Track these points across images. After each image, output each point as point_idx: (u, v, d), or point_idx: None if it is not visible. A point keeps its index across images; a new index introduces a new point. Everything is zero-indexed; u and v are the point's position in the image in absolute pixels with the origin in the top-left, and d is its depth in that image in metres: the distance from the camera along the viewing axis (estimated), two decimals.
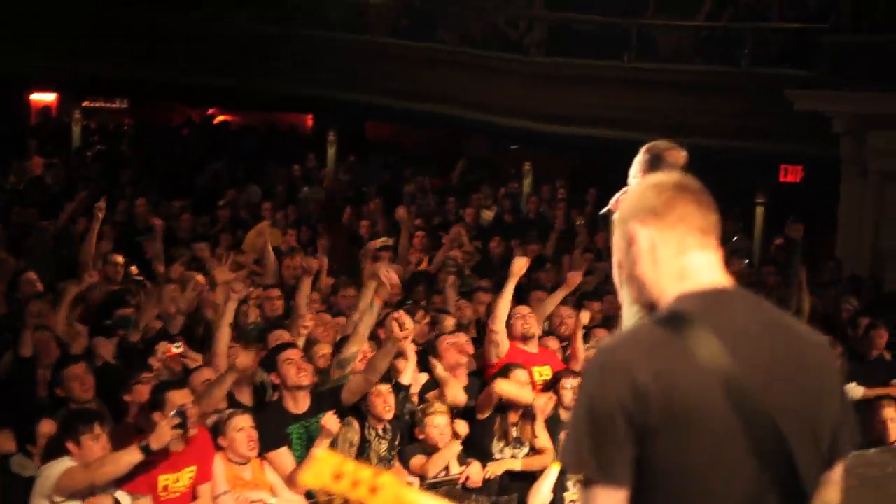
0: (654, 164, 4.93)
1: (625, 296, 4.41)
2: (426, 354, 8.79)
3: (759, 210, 18.21)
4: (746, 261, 14.99)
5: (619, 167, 18.85)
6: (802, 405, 2.34)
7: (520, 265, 8.91)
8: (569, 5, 21.05)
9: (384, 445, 7.71)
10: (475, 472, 7.76)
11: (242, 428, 6.99)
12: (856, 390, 9.49)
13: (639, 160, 5.09)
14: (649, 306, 2.53)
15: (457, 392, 8.42)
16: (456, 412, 8.13)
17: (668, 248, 2.52)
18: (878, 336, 10.20)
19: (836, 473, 2.47)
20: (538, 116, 20.32)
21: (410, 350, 8.41)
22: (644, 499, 2.30)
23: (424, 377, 8.62)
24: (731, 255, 14.94)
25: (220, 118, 27.21)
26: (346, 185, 19.92)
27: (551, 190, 18.72)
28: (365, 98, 22.35)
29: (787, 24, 18.36)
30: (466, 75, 21.44)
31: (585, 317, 9.44)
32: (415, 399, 8.36)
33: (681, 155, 5.06)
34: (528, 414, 8.16)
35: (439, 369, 8.51)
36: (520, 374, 8.23)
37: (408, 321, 7.70)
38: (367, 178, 20.74)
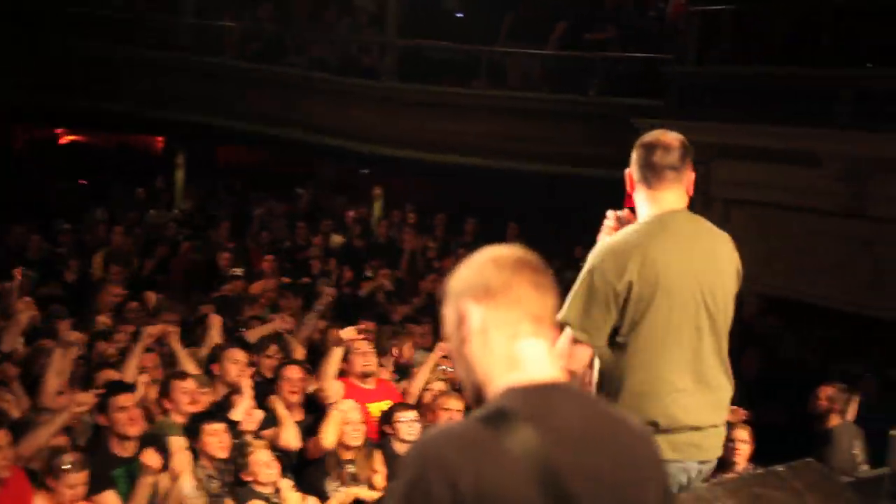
0: (649, 155, 4.90)
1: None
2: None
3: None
4: None
5: (468, 192, 19.18)
6: (617, 501, 2.30)
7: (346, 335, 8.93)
8: (421, 32, 21.14)
9: (215, 484, 7.53)
10: None
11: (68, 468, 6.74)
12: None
13: (634, 158, 5.04)
14: (475, 388, 2.45)
15: (290, 436, 8.29)
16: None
17: (501, 332, 2.43)
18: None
19: None
20: (390, 141, 20.34)
21: (246, 385, 8.28)
22: None
23: (261, 414, 8.43)
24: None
25: (69, 139, 26.62)
26: (193, 212, 19.68)
27: (401, 215, 18.74)
28: (217, 121, 22.14)
29: (634, 54, 18.66)
30: (319, 100, 21.38)
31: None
32: (249, 437, 8.16)
33: (674, 138, 5.00)
34: (365, 450, 8.14)
35: (279, 408, 8.40)
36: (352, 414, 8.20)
37: (239, 355, 7.62)
38: (215, 203, 20.53)
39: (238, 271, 13.48)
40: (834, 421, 8.80)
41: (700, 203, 16.39)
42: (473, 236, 17.54)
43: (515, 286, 2.44)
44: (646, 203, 4.74)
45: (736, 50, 16.30)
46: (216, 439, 7.47)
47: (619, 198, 17.14)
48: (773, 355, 12.31)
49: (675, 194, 4.72)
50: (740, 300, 14.56)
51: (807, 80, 14.71)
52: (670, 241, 4.61)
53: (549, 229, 17.37)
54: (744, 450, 8.39)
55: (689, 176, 4.75)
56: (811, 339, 13.15)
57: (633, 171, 4.79)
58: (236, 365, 8.63)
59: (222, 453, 7.50)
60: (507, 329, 2.42)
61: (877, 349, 12.33)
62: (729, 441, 8.59)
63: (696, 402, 4.66)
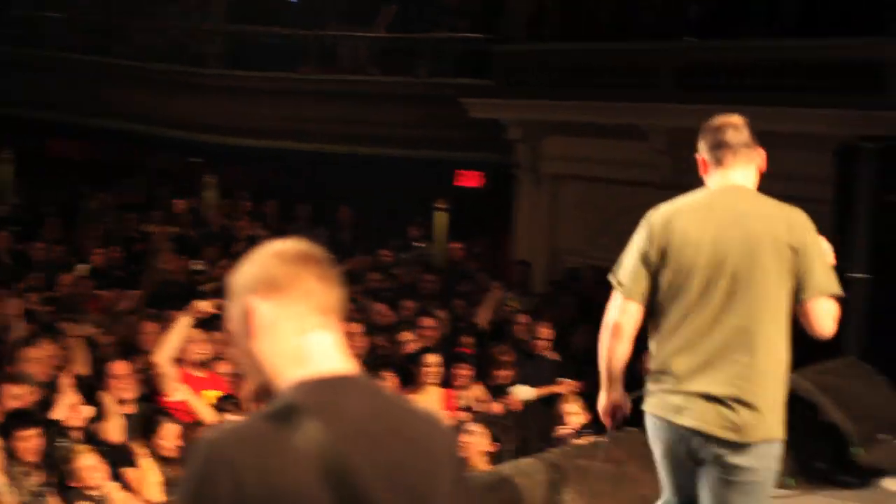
0: (716, 136, 4.89)
1: None
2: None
3: (441, 216, 18.56)
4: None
5: (302, 178, 19.03)
6: (408, 490, 2.29)
7: (202, 307, 8.74)
8: (249, 17, 20.95)
9: (33, 481, 7.35)
10: None
11: None
12: (526, 391, 9.75)
13: (701, 145, 4.99)
14: (263, 385, 2.44)
15: (113, 430, 8.17)
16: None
17: (288, 326, 2.40)
18: (539, 334, 10.46)
19: None
20: (220, 129, 20.15)
21: (66, 383, 8.14)
22: None
23: (90, 410, 8.27)
24: (415, 263, 15.19)
25: None
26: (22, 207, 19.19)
27: (234, 203, 18.56)
28: (44, 115, 21.66)
29: (461, 34, 18.78)
30: (147, 89, 21.06)
31: None
32: (71, 441, 7.95)
33: (736, 120, 4.94)
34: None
35: (107, 402, 8.28)
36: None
37: (40, 353, 7.46)
38: (44, 197, 20.04)
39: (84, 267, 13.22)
40: None
41: (530, 179, 16.68)
42: (307, 222, 17.46)
43: (301, 280, 2.41)
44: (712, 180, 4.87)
45: (563, 27, 16.51)
46: (26, 444, 7.32)
47: (450, 178, 17.33)
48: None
49: (739, 172, 4.79)
50: (576, 274, 14.85)
51: (630, 56, 14.99)
52: (701, 213, 4.70)
53: (383, 211, 17.40)
54: (574, 421, 8.52)
55: (757, 154, 4.87)
56: None
57: (703, 155, 4.90)
58: (41, 363, 8.50)
59: (31, 457, 7.34)
60: (295, 323, 2.39)
61: None
62: (559, 413, 8.79)
63: (686, 367, 4.56)
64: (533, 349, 10.40)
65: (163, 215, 17.18)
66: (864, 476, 7.11)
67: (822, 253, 4.59)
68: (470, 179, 18.54)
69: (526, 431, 9.46)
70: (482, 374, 9.89)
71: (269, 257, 2.46)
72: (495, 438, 9.11)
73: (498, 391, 9.70)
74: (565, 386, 9.84)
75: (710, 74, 13.89)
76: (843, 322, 9.50)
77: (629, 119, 14.52)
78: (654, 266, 4.64)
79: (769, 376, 4.49)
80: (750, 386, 4.45)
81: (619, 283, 4.74)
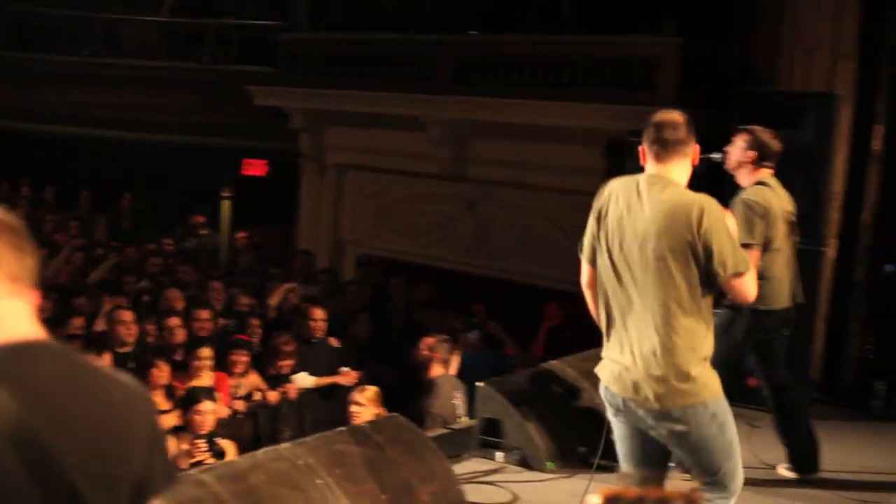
0: (656, 132, 5.04)
1: None
2: None
3: (226, 204, 18.42)
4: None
5: (84, 164, 18.52)
6: (100, 457, 2.30)
7: None
8: None
9: None
10: None
11: None
12: (306, 379, 9.78)
13: (644, 136, 5.14)
14: None
15: None
16: None
17: None
18: (313, 319, 10.49)
19: None
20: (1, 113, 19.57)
21: None
22: None
23: None
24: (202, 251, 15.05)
25: None
26: None
27: (13, 188, 18.05)
28: None
29: (247, 21, 18.67)
30: None
31: None
32: None
33: (675, 118, 5.09)
34: None
35: None
36: None
37: None
38: None
39: None
40: (436, 371, 9.12)
41: (314, 169, 16.71)
42: (89, 209, 17.13)
43: None
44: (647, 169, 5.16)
45: (347, 16, 16.57)
46: None
47: (236, 166, 17.14)
48: (386, 316, 12.63)
49: (671, 166, 5.04)
50: (360, 263, 14.85)
51: (411, 47, 15.14)
52: (627, 195, 5.00)
53: (168, 199, 17.20)
54: (360, 412, 8.58)
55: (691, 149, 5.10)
56: (420, 297, 13.58)
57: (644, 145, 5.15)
58: None
59: None
60: None
61: (480, 305, 12.87)
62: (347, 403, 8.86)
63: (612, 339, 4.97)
64: (313, 336, 10.42)
65: None
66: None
67: (730, 234, 4.90)
68: (256, 168, 18.47)
69: (302, 420, 9.50)
70: (266, 363, 9.88)
71: None
72: (272, 427, 9.15)
73: (280, 380, 9.71)
74: (345, 376, 9.92)
75: (487, 68, 14.15)
76: None
77: (408, 110, 14.68)
78: (595, 233, 5.07)
79: (676, 351, 4.78)
80: (657, 361, 4.79)
81: (579, 249, 5.21)
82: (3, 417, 2.18)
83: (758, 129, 7.06)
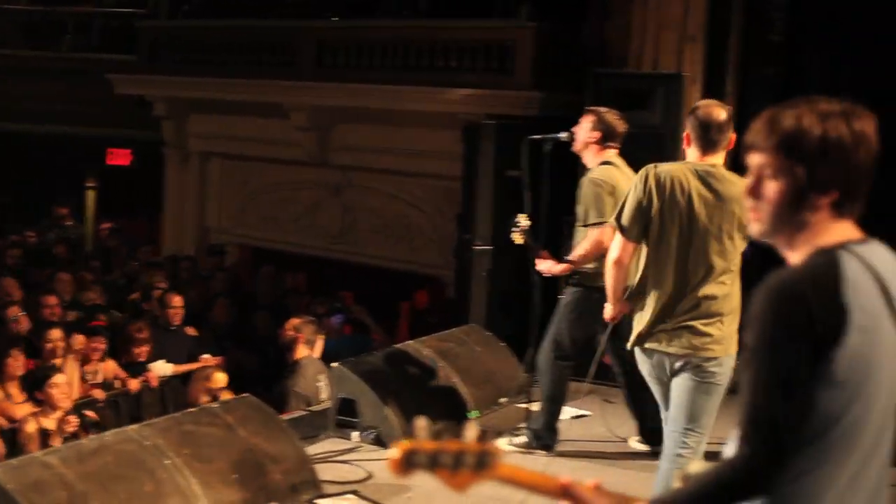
0: (708, 131, 5.57)
1: None
2: None
3: (90, 194, 18.20)
4: None
5: None
6: None
7: None
8: None
9: None
10: None
11: None
12: (164, 367, 9.76)
13: (690, 124, 5.63)
14: None
15: None
16: None
17: None
18: (171, 307, 10.48)
19: None
20: None
21: None
22: None
23: None
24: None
25: None
26: None
27: None
28: None
29: (107, 9, 18.44)
30: None
31: None
32: None
33: (724, 116, 5.57)
34: None
35: None
36: None
37: None
38: None
39: None
40: (301, 352, 9.19)
41: (178, 157, 16.58)
42: None
43: None
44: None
45: (207, 4, 16.45)
46: None
47: (101, 156, 16.91)
48: (251, 302, 12.64)
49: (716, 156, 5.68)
50: (219, 250, 14.84)
51: (272, 34, 15.11)
52: (685, 178, 5.65)
53: (29, 190, 16.96)
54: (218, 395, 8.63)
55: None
56: (286, 284, 13.61)
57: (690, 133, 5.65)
58: None
59: None
60: None
61: (347, 292, 12.94)
62: (202, 388, 8.90)
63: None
64: (171, 323, 10.41)
65: None
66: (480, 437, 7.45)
67: None
68: (120, 157, 18.28)
69: (164, 408, 9.48)
70: (122, 351, 9.85)
71: None
72: (134, 416, 9.11)
73: (136, 368, 9.67)
74: (205, 361, 9.93)
75: (348, 54, 14.18)
76: (468, 291, 10.06)
77: (271, 97, 14.64)
78: (650, 213, 5.53)
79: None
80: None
81: (621, 227, 5.65)
82: None
83: (603, 109, 7.22)
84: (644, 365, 5.82)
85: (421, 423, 2.47)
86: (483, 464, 2.49)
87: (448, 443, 2.46)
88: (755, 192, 2.65)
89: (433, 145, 13.29)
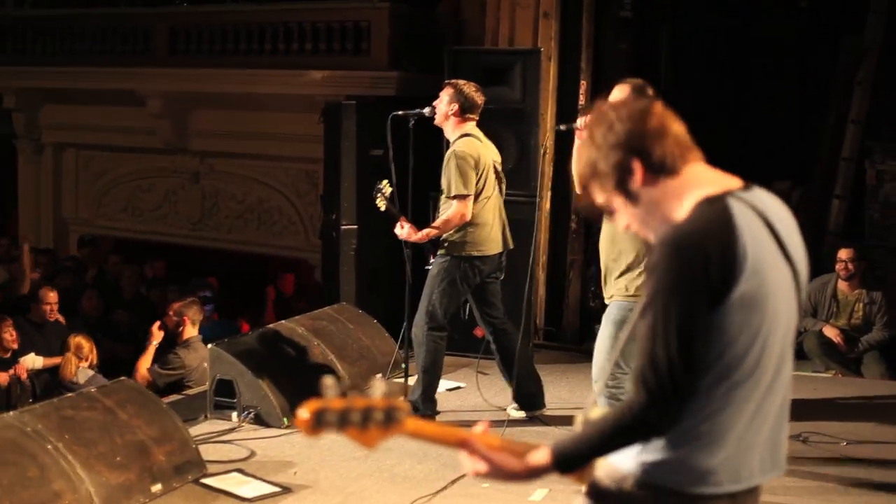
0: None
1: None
2: None
3: None
4: None
5: None
6: None
7: None
8: None
9: None
10: None
11: None
12: (35, 360, 9.62)
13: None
14: None
15: None
16: None
17: None
18: (47, 302, 10.34)
19: None
20: None
21: None
22: None
23: None
24: None
25: None
26: None
27: None
28: None
29: None
30: None
31: None
32: None
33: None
34: None
35: None
36: None
37: None
38: None
39: None
40: (189, 332, 9.14)
41: (30, 149, 16.26)
42: None
43: None
44: None
45: None
46: None
47: None
48: (114, 293, 12.50)
49: None
50: (84, 242, 14.53)
51: (123, 20, 14.91)
52: None
53: None
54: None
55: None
56: (151, 274, 13.47)
57: None
58: None
59: None
60: None
61: (212, 278, 12.87)
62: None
63: None
64: (47, 318, 10.29)
65: None
66: None
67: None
68: None
69: (35, 400, 9.35)
70: None
71: None
72: (5, 409, 8.96)
73: (5, 361, 9.53)
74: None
75: (201, 38, 14.07)
76: (336, 271, 10.12)
77: (125, 84, 14.44)
78: None
79: None
80: None
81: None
82: None
83: (461, 82, 7.35)
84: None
85: (328, 381, 2.52)
86: (391, 419, 2.56)
87: (356, 400, 2.52)
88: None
89: (292, 128, 13.28)
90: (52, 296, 10.39)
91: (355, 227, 9.99)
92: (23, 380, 9.45)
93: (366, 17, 12.68)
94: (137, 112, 14.59)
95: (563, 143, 10.39)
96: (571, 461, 2.75)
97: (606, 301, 6.16)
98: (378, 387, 2.56)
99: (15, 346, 9.59)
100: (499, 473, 2.77)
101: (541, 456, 2.74)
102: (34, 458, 5.30)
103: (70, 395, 6.08)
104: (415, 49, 12.37)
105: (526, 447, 2.78)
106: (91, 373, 9.12)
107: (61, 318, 10.51)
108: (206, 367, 8.85)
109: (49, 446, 5.40)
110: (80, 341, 9.21)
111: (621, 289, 5.99)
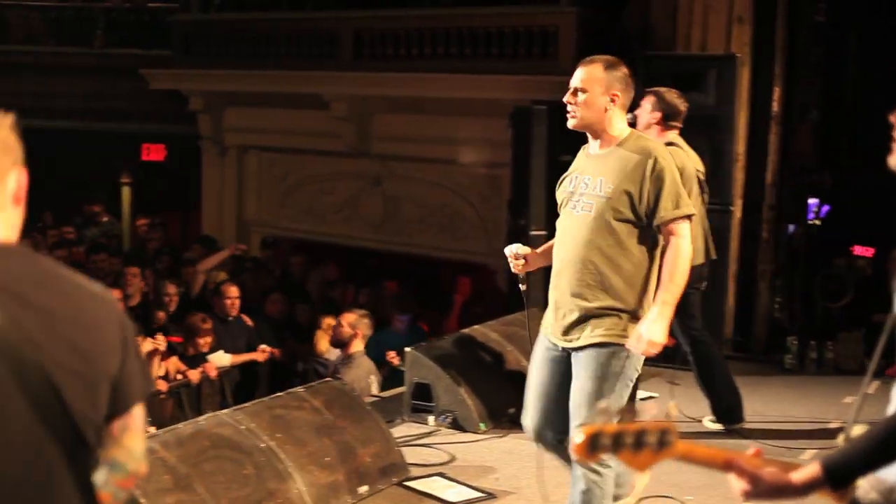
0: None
1: None
2: None
3: (126, 190, 18.23)
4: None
5: None
6: (77, 358, 2.34)
7: None
8: None
9: None
10: None
11: None
12: (223, 358, 9.76)
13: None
14: None
15: None
16: None
17: None
18: (228, 297, 10.47)
19: (133, 420, 2.49)
20: None
21: None
22: None
23: None
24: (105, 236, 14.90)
25: None
26: None
27: None
28: None
29: (138, 4, 18.45)
30: None
31: None
32: None
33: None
34: None
35: None
36: None
37: None
38: None
39: None
40: (356, 347, 9.20)
41: (215, 151, 16.60)
42: None
43: None
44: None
45: None
46: None
47: (136, 152, 16.88)
48: (298, 294, 12.64)
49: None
50: (268, 244, 14.72)
51: (309, 25, 15.10)
52: None
53: (64, 186, 16.95)
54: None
55: None
56: (329, 277, 13.59)
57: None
58: None
59: None
60: None
61: (392, 282, 12.94)
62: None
63: None
64: (229, 314, 10.42)
65: None
66: None
67: None
68: (155, 153, 18.30)
69: (223, 398, 9.50)
70: (185, 343, 9.85)
71: None
72: (194, 407, 9.13)
73: (198, 359, 9.68)
74: (262, 353, 9.94)
75: (387, 43, 14.18)
76: (526, 275, 10.04)
77: (310, 88, 14.64)
78: None
79: None
80: None
81: (692, 214, 4.98)
82: None
83: (663, 89, 7.22)
84: None
85: (602, 405, 2.54)
86: (663, 443, 2.54)
87: (629, 424, 2.51)
88: None
89: (474, 132, 13.27)
90: (234, 290, 10.51)
91: (544, 232, 9.89)
92: (212, 378, 9.60)
93: (553, 21, 12.64)
94: (321, 115, 14.76)
95: (755, 151, 10.21)
96: (844, 474, 2.64)
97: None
98: (649, 410, 2.54)
99: (206, 348, 9.74)
100: (769, 491, 2.69)
101: (811, 470, 2.65)
102: (249, 455, 5.35)
103: (280, 394, 6.13)
104: (601, 54, 12.23)
105: (788, 466, 2.70)
106: (338, 352, 9.27)
107: (247, 319, 10.64)
108: (370, 381, 8.91)
109: (262, 445, 5.45)
110: (331, 321, 9.39)
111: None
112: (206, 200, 16.85)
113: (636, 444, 2.51)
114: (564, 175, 5.30)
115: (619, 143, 5.02)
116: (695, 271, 7.23)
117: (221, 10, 16.46)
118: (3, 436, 2.27)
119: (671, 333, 7.66)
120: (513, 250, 5.45)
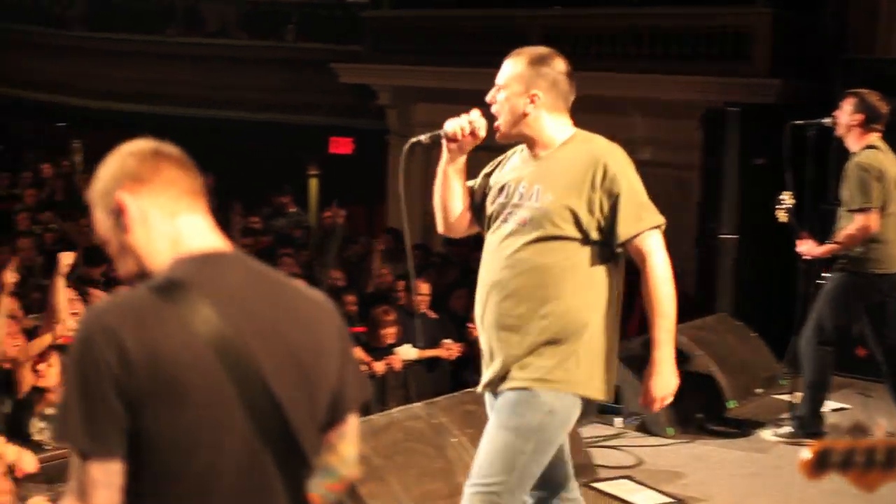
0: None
1: None
2: None
3: (313, 182, 18.57)
4: None
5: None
6: (297, 369, 2.37)
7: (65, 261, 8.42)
8: None
9: None
10: None
11: None
12: (409, 351, 9.86)
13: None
14: (142, 273, 2.48)
15: None
16: None
17: (160, 213, 2.45)
18: (420, 290, 10.57)
19: (349, 427, 2.52)
20: (84, 93, 19.83)
21: None
22: (141, 471, 2.26)
23: None
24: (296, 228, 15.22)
25: None
26: None
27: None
28: None
29: None
30: (9, 52, 20.62)
31: None
32: None
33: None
34: None
35: None
36: None
37: None
38: None
39: None
40: None
41: (402, 146, 16.75)
42: None
43: (163, 169, 2.45)
44: None
45: None
46: None
47: (323, 144, 17.15)
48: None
49: None
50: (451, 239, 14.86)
51: (499, 22, 15.15)
52: None
53: (252, 177, 17.36)
54: None
55: None
56: None
57: None
58: None
59: None
60: (166, 209, 2.43)
61: None
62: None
63: None
64: (417, 309, 10.53)
65: (32, 179, 16.94)
66: (742, 427, 7.38)
67: None
68: (343, 146, 18.59)
69: (408, 392, 9.59)
70: (368, 336, 9.99)
71: (125, 157, 2.48)
72: (379, 399, 9.25)
73: (383, 351, 9.80)
74: (448, 349, 10.01)
75: (576, 42, 14.11)
76: (715, 280, 9.94)
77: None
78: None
79: None
80: None
81: (661, 224, 4.26)
82: (204, 324, 2.27)
83: (865, 91, 7.05)
84: None
85: (832, 420, 2.47)
86: (893, 461, 2.44)
87: (859, 440, 2.41)
88: None
89: (666, 134, 13.15)
90: (424, 287, 10.62)
91: (736, 236, 9.79)
92: (396, 370, 9.71)
93: (747, 22, 12.44)
94: None
95: None
96: None
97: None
98: (881, 426, 2.44)
99: (391, 339, 9.85)
100: None
101: None
102: (441, 450, 5.41)
103: (470, 389, 6.15)
104: (794, 57, 12.03)
105: None
106: None
107: (431, 313, 10.74)
108: None
109: (454, 440, 5.50)
110: None
111: None
112: (393, 195, 17.04)
113: (866, 462, 2.42)
114: (489, 170, 4.68)
115: (562, 144, 4.29)
116: (892, 279, 7.07)
117: (412, 7, 16.62)
118: (223, 444, 2.30)
119: (863, 343, 7.49)
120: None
